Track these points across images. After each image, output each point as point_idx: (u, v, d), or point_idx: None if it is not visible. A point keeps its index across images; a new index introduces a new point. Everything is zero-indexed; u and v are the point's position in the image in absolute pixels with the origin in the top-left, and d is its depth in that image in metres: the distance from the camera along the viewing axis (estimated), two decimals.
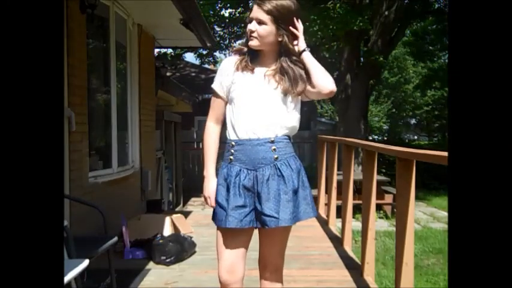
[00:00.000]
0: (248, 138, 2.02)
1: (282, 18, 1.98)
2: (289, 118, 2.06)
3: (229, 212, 1.98)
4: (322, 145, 6.31)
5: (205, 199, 2.12)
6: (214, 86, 2.13)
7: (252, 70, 2.05)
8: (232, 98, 2.07)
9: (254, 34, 2.00)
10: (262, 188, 1.98)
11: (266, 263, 2.17)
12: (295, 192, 2.01)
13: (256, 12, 1.99)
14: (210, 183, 2.11)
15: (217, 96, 2.13)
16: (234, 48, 2.15)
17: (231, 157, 2.05)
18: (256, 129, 2.01)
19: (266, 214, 1.96)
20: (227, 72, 2.09)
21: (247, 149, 2.01)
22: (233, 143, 2.05)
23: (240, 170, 2.01)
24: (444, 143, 14.82)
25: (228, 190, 2.02)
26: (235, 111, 2.05)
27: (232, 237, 2.04)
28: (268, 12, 1.97)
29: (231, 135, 2.07)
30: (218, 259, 2.09)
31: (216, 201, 2.06)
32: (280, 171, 2.00)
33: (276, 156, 2.01)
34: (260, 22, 1.99)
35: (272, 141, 2.02)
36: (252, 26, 2.00)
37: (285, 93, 2.02)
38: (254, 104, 2.03)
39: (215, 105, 2.14)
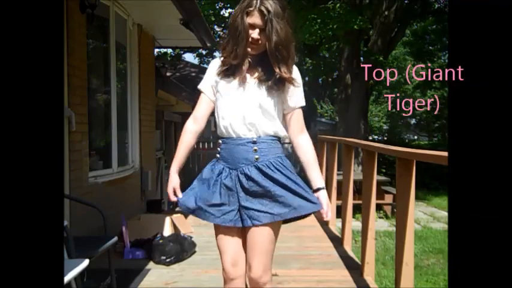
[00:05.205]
0: (231, 137, 2.05)
1: (274, 22, 1.95)
2: (270, 119, 2.05)
3: (207, 208, 2.01)
4: (322, 145, 6.31)
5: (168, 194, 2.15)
6: (201, 86, 2.16)
7: (234, 74, 2.06)
8: (217, 98, 2.11)
9: (259, 42, 1.99)
10: (243, 188, 2.00)
11: (250, 277, 2.05)
12: (274, 192, 1.98)
13: (258, 18, 1.96)
14: (171, 180, 2.12)
15: (203, 95, 2.16)
16: (222, 60, 2.09)
17: (218, 155, 2.10)
18: (237, 128, 2.03)
19: (246, 214, 1.99)
20: (213, 73, 2.12)
21: (231, 148, 2.05)
22: (220, 141, 2.10)
23: (223, 169, 2.05)
24: (444, 143, 14.82)
25: (208, 187, 2.04)
26: (219, 112, 2.09)
27: (227, 232, 2.07)
28: (268, 19, 1.94)
29: (219, 133, 2.12)
30: (220, 253, 2.12)
31: (195, 196, 2.06)
32: (260, 171, 2.00)
33: (257, 156, 2.01)
34: (261, 30, 1.97)
35: (254, 142, 2.03)
36: (256, 34, 1.97)
37: (268, 90, 2.01)
38: (235, 104, 2.04)
39: (199, 104, 2.16)
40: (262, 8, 1.94)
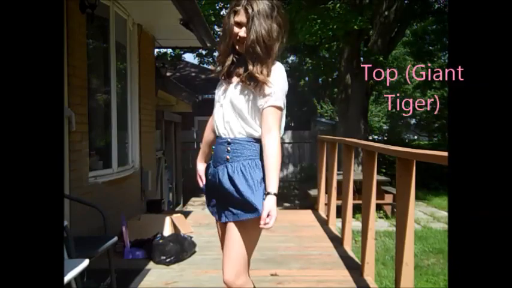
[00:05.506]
0: (217, 136, 2.13)
1: (256, 20, 1.96)
2: (243, 119, 2.03)
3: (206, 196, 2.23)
4: (322, 145, 6.31)
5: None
6: None
7: (225, 75, 2.11)
8: None
9: (244, 39, 2.00)
10: (217, 185, 2.07)
11: (223, 281, 2.03)
12: (231, 194, 1.99)
13: (244, 17, 1.98)
14: (197, 167, 2.35)
15: None
16: (216, 59, 2.18)
17: (212, 152, 2.19)
18: (220, 128, 2.09)
19: (221, 211, 2.07)
20: None
21: (215, 146, 2.14)
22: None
23: (209, 166, 2.17)
24: (444, 143, 14.82)
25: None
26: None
27: (221, 226, 2.19)
28: (250, 17, 1.95)
29: None
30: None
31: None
32: (227, 171, 2.02)
33: (228, 157, 2.04)
34: (246, 27, 1.98)
35: (228, 142, 2.05)
36: (243, 33, 1.99)
37: (241, 88, 2.01)
38: (219, 104, 2.11)
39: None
40: (248, 6, 1.97)
